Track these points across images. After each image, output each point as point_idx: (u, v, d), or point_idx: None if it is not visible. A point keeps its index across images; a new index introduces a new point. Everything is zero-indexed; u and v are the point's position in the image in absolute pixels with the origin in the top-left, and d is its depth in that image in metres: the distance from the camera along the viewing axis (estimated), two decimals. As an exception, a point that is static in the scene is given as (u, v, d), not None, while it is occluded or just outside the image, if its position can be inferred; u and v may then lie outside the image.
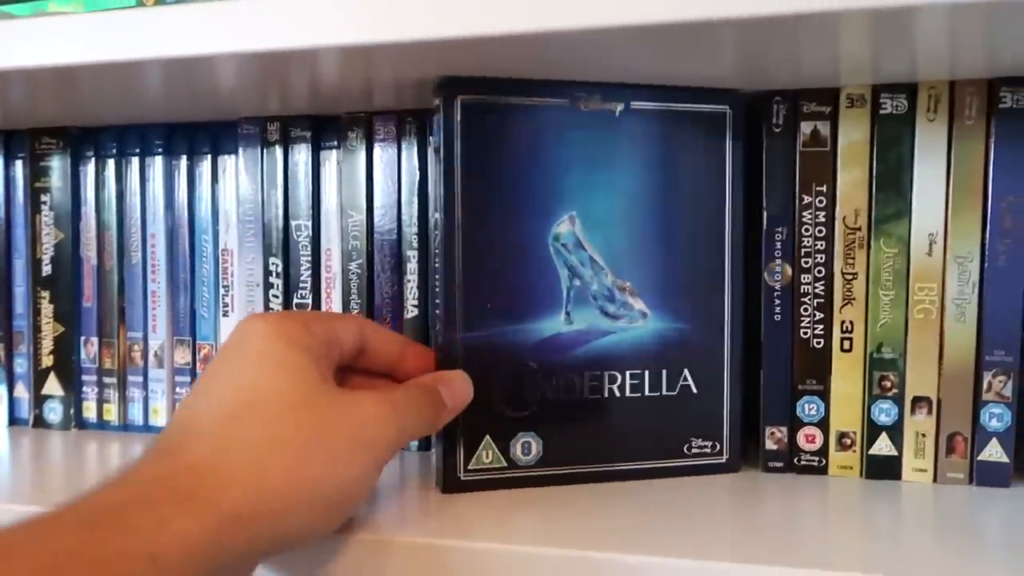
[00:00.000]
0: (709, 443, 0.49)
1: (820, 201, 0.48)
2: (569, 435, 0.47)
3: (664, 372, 0.48)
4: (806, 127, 0.48)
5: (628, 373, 0.48)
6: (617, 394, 0.48)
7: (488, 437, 0.46)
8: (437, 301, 0.46)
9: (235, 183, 0.58)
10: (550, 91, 0.46)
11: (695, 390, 0.49)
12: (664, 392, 0.48)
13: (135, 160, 0.60)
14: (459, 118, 0.45)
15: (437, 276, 0.46)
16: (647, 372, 0.48)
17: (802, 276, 0.48)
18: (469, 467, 0.46)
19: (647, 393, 0.48)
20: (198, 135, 0.59)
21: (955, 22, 0.37)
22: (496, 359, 0.46)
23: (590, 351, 0.47)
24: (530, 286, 0.47)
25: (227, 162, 0.58)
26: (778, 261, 0.46)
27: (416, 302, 0.54)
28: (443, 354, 0.46)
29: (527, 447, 0.47)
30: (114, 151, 0.60)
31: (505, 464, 0.47)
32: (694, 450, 0.49)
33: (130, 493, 0.33)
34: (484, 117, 0.45)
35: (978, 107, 0.46)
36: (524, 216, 0.46)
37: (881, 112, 0.47)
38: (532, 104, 0.46)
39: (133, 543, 0.31)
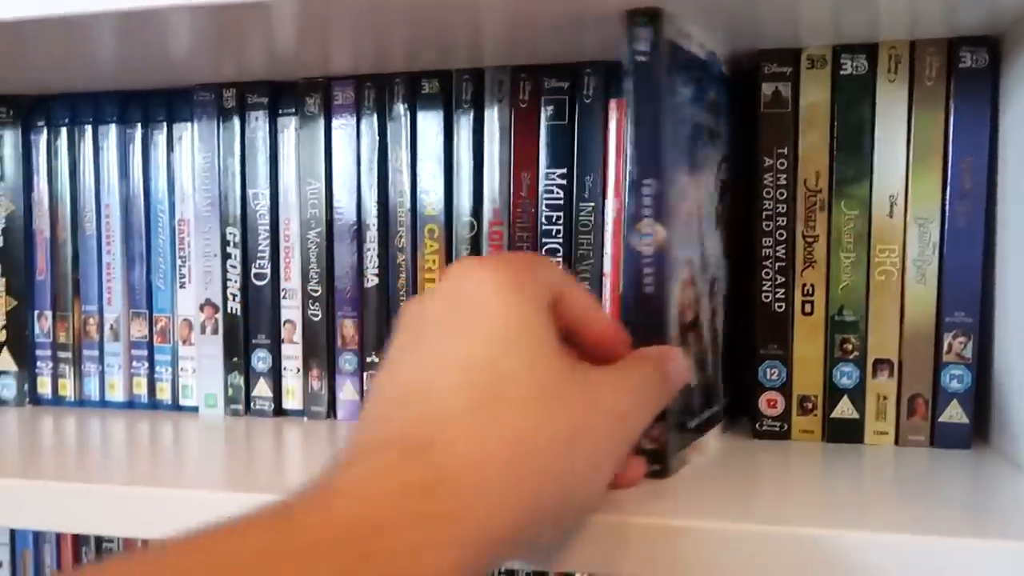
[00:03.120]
0: None
1: (781, 164, 0.47)
2: None
3: None
4: (767, 88, 0.48)
5: None
6: None
7: None
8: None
9: (191, 152, 0.56)
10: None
11: None
12: None
13: (88, 129, 0.58)
14: None
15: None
16: None
17: (763, 240, 0.48)
18: None
19: None
20: (152, 103, 0.57)
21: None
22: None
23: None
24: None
25: (183, 130, 0.57)
26: (646, 221, 0.40)
27: (376, 271, 0.53)
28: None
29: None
30: (67, 120, 0.59)
31: None
32: None
33: (378, 511, 0.26)
34: None
35: (938, 68, 0.45)
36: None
37: (842, 73, 0.47)
38: None
39: (386, 569, 0.25)
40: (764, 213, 0.48)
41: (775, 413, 0.48)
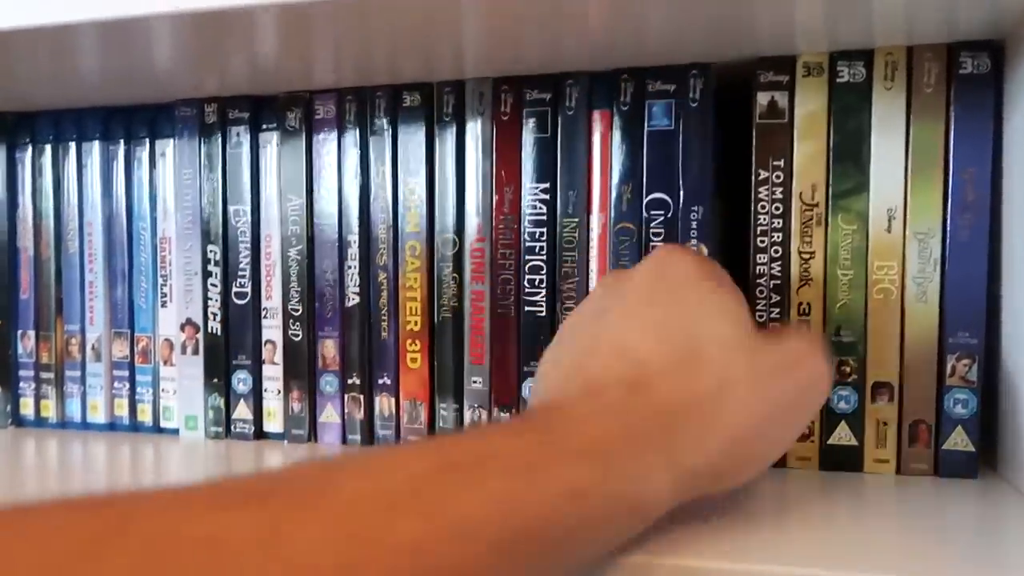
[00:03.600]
0: None
1: (777, 176, 0.45)
2: None
3: None
4: (763, 98, 0.45)
5: None
6: None
7: None
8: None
9: (173, 168, 0.55)
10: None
11: None
12: None
13: (72, 146, 0.58)
14: None
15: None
16: None
17: (758, 256, 0.46)
18: None
19: None
20: (135, 119, 0.56)
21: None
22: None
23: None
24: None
25: (165, 146, 0.56)
26: (692, 243, 0.45)
27: (357, 290, 0.51)
28: None
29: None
30: (51, 137, 0.58)
31: None
32: None
33: (617, 428, 0.31)
34: None
35: (937, 74, 0.43)
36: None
37: (838, 81, 0.44)
38: None
39: (625, 488, 0.29)
40: (759, 228, 0.46)
41: (768, 439, 0.46)
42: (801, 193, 0.45)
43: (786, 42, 0.44)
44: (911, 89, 0.43)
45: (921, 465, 0.44)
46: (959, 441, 0.43)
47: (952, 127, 0.43)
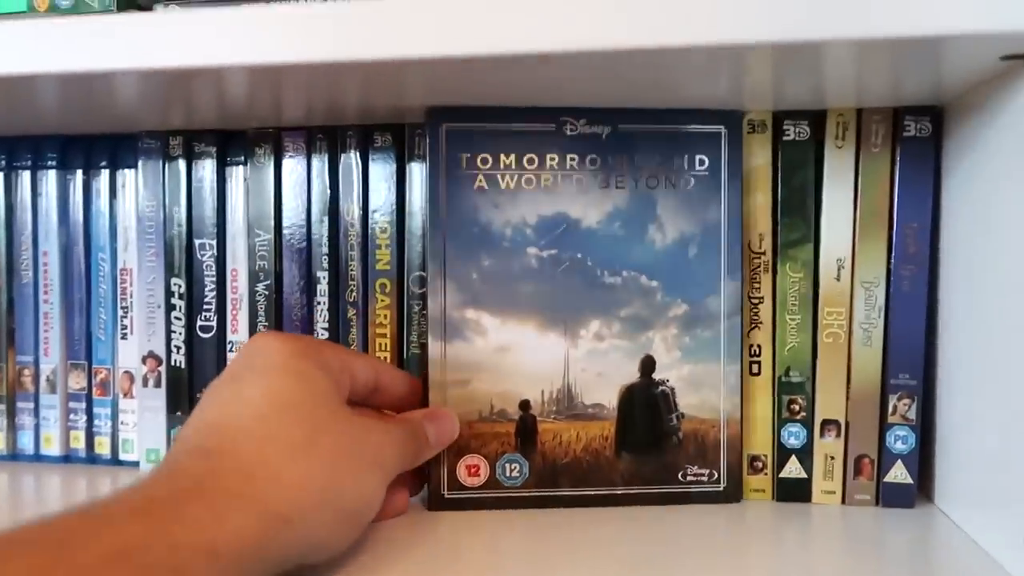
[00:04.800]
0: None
1: (729, 225, 0.48)
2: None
3: None
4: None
5: None
6: None
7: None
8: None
9: (135, 198, 0.55)
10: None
11: None
12: None
13: (26, 174, 0.57)
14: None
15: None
16: None
17: (714, 299, 0.48)
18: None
19: None
20: (95, 148, 0.56)
21: (861, 57, 0.37)
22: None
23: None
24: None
25: (126, 176, 0.55)
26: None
27: (326, 325, 0.52)
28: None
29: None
30: (3, 163, 0.57)
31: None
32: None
33: (182, 487, 0.33)
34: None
35: (884, 135, 0.47)
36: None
37: (784, 138, 0.47)
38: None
39: (192, 535, 0.31)
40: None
41: (726, 473, 0.48)
42: (749, 242, 0.48)
43: (734, 100, 0.47)
44: (859, 148, 0.47)
45: (864, 496, 0.47)
46: (899, 474, 0.47)
47: (897, 184, 0.46)
